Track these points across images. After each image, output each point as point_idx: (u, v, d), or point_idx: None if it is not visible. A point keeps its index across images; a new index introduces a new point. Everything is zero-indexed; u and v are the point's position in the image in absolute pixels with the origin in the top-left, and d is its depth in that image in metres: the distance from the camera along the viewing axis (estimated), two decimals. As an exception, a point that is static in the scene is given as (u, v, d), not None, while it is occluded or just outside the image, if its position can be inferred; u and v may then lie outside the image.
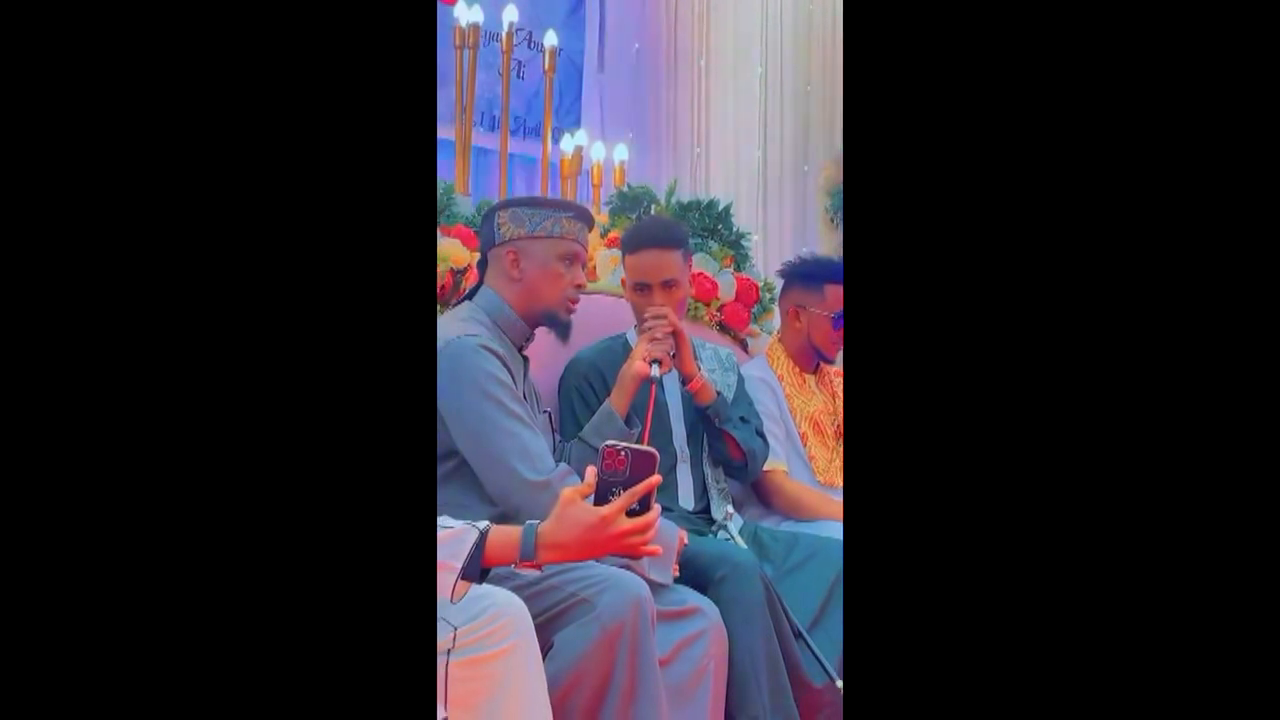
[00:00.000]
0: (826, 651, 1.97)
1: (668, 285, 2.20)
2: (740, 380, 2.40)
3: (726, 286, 2.77)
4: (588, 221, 2.03)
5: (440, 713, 1.32)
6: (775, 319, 2.85)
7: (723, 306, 2.77)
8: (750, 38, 4.37)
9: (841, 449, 2.50)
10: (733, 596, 1.91)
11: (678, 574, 1.90)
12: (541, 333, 2.03)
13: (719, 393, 2.25)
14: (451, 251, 2.31)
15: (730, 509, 2.28)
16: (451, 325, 1.90)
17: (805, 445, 2.47)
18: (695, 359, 2.22)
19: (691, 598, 1.88)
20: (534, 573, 1.46)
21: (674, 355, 2.12)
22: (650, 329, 2.10)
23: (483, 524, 1.36)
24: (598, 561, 1.70)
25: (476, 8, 2.92)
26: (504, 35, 2.99)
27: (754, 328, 2.84)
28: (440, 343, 1.84)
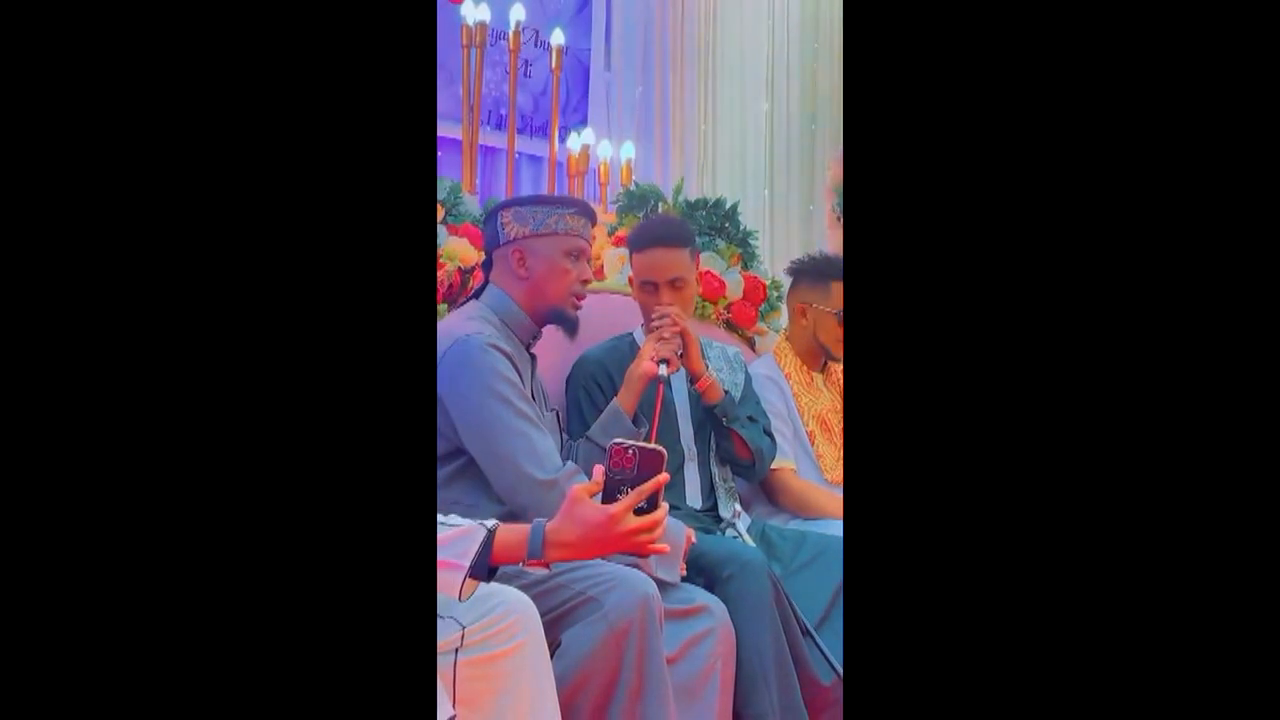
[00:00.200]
0: (834, 649, 1.97)
1: (675, 284, 2.19)
2: (748, 379, 2.40)
3: (734, 285, 2.77)
4: (590, 216, 2.03)
5: (449, 711, 1.33)
6: (783, 317, 2.85)
7: (730, 305, 2.77)
8: (757, 35, 4.37)
9: (848, 447, 2.50)
10: (741, 595, 1.91)
11: (685, 572, 1.90)
12: (549, 331, 2.03)
13: (726, 391, 2.25)
14: (459, 250, 2.31)
15: (738, 507, 2.28)
16: (459, 324, 1.90)
17: (813, 443, 2.47)
18: (703, 358, 2.22)
19: (699, 596, 1.88)
20: (542, 571, 1.46)
21: (682, 354, 2.12)
22: (658, 328, 2.10)
23: (490, 522, 1.36)
24: (605, 560, 1.70)
25: (484, 6, 2.92)
26: (511, 34, 3.00)
27: (761, 326, 2.84)
28: (448, 341, 1.84)
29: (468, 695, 1.39)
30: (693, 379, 2.21)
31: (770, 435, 2.34)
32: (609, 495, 1.32)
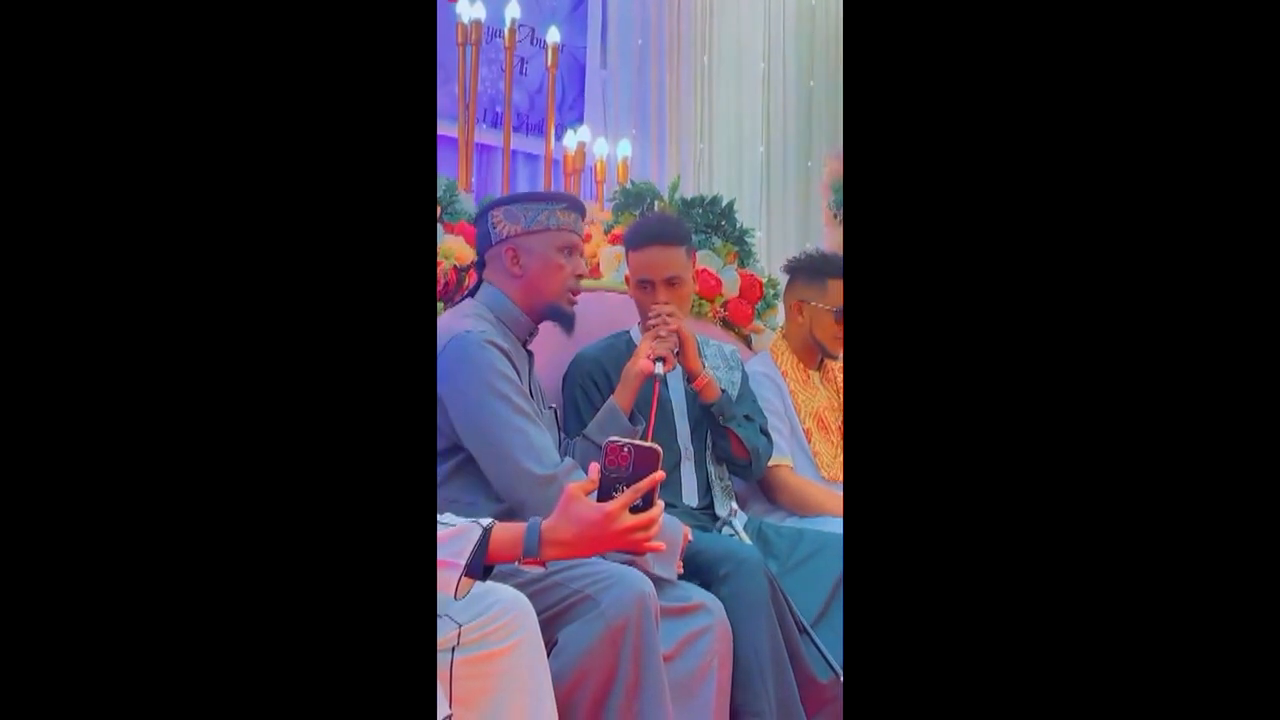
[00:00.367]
0: (831, 647, 1.97)
1: (671, 282, 2.19)
2: (744, 377, 2.40)
3: (730, 283, 2.77)
4: (580, 210, 2.04)
5: (445, 710, 1.32)
6: (779, 315, 2.85)
7: (726, 303, 2.77)
8: (753, 32, 4.36)
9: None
10: (737, 592, 1.91)
11: (682, 570, 1.90)
12: (545, 330, 2.03)
13: (723, 390, 2.25)
14: (455, 249, 2.31)
15: (734, 505, 2.28)
16: (456, 321, 1.90)
17: (810, 441, 2.47)
18: (700, 356, 2.22)
19: (696, 594, 1.88)
20: (538, 569, 1.46)
21: (678, 352, 2.12)
22: (654, 326, 2.10)
23: (486, 521, 1.36)
24: (602, 558, 1.70)
25: (479, 4, 2.92)
26: (506, 32, 2.99)
27: (758, 324, 2.84)
28: (445, 338, 1.84)
29: (464, 694, 1.39)
30: (689, 377, 2.21)
31: (767, 434, 2.34)
32: (604, 493, 1.32)
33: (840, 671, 1.96)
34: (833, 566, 2.08)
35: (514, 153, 3.38)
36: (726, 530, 2.20)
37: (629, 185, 2.91)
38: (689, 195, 2.91)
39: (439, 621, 1.39)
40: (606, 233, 2.73)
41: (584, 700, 1.64)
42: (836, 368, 2.60)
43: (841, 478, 2.45)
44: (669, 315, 2.11)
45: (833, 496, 2.37)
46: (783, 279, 2.65)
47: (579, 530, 1.31)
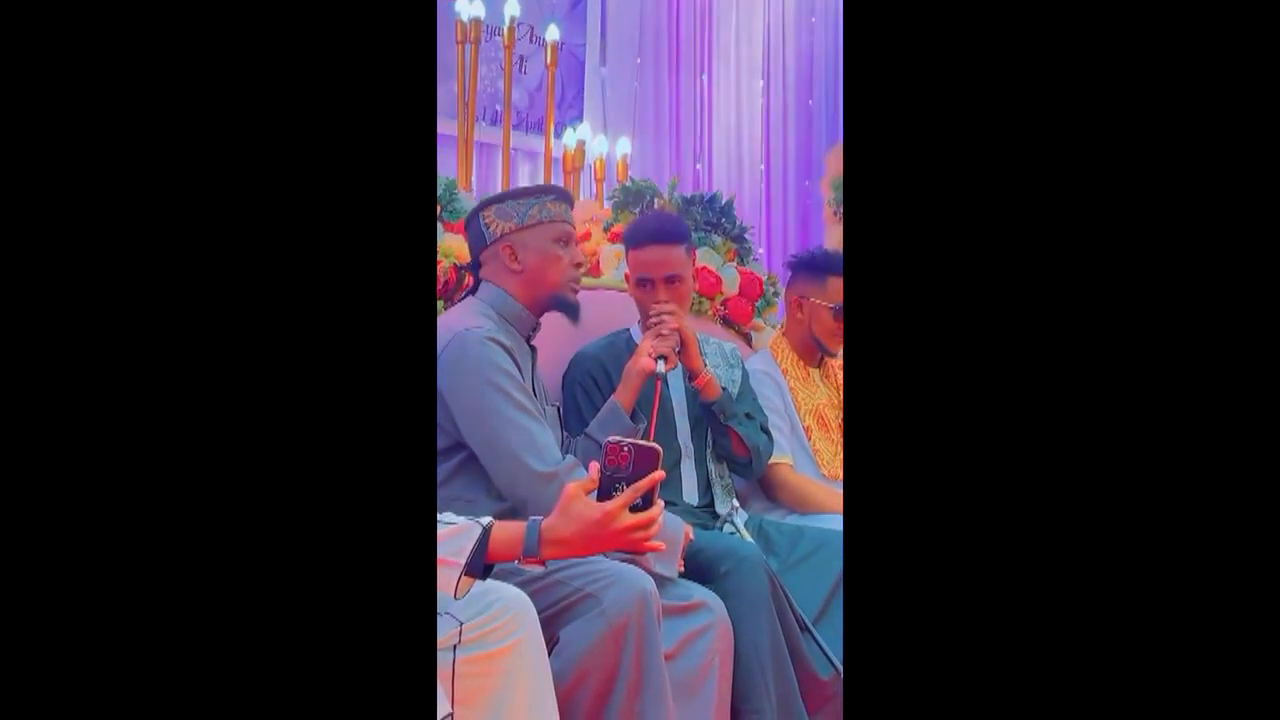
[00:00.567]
0: (832, 644, 1.97)
1: (671, 280, 2.19)
2: (745, 375, 2.40)
3: (730, 280, 2.77)
4: (569, 200, 2.05)
5: (446, 708, 1.33)
6: (779, 312, 2.85)
7: (726, 301, 2.77)
8: (753, 29, 4.36)
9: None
10: (738, 590, 1.91)
11: (683, 568, 1.90)
12: (546, 328, 2.03)
13: (724, 388, 2.25)
14: (455, 247, 2.31)
15: (735, 503, 2.28)
16: (457, 320, 1.90)
17: (810, 439, 2.47)
18: (700, 354, 2.22)
19: (697, 592, 1.88)
20: (538, 569, 1.46)
21: (679, 351, 2.12)
22: (655, 325, 2.10)
23: (486, 520, 1.36)
24: (604, 556, 1.70)
25: (478, 2, 2.92)
26: (505, 30, 2.99)
27: (758, 321, 2.84)
28: (447, 337, 1.84)
29: (465, 693, 1.39)
30: (690, 376, 2.21)
31: (767, 432, 2.34)
32: (604, 492, 1.32)
33: (841, 668, 1.96)
34: (833, 564, 2.08)
35: (513, 151, 3.38)
36: (727, 528, 2.20)
37: (628, 183, 2.90)
38: (688, 193, 2.91)
39: (441, 620, 1.39)
40: (606, 230, 2.73)
41: (585, 699, 1.64)
42: (836, 365, 2.60)
43: (841, 475, 2.45)
44: (669, 314, 2.11)
45: (833, 494, 2.37)
46: (786, 274, 2.65)
47: (578, 529, 1.32)
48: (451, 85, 3.06)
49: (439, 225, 2.36)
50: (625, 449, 1.31)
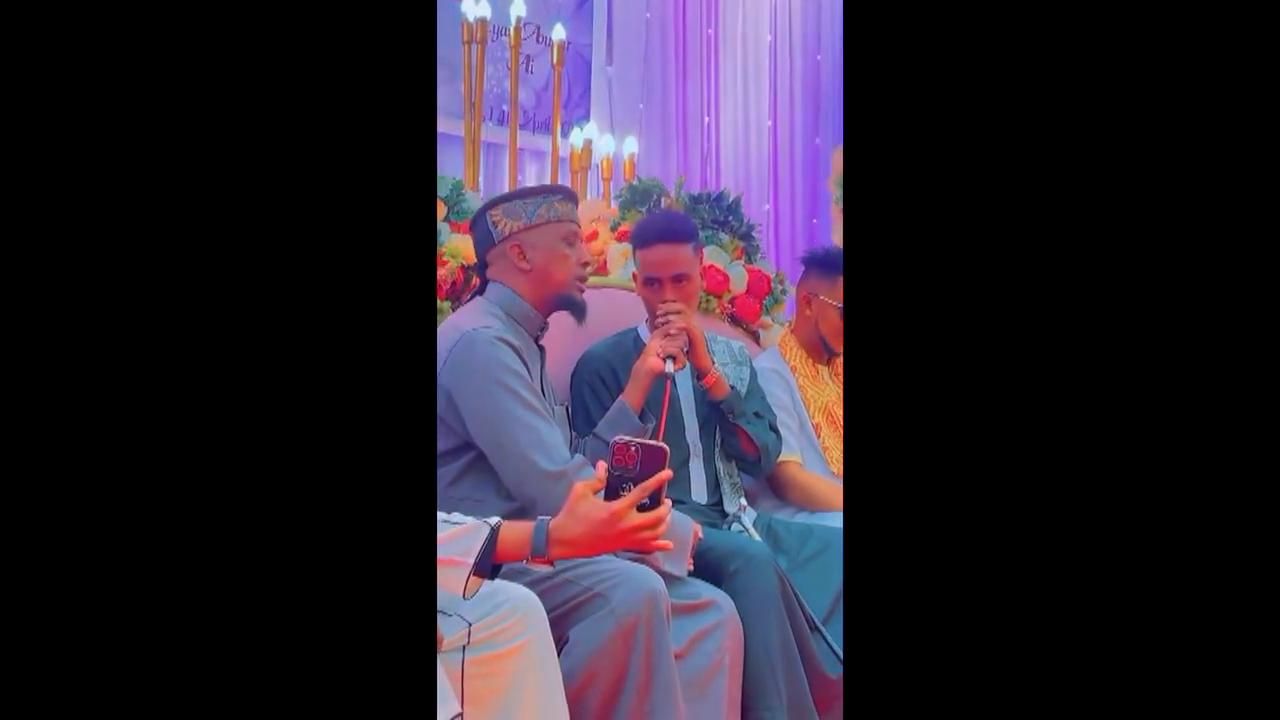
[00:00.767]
0: (842, 643, 1.97)
1: (679, 279, 2.19)
2: (753, 374, 2.39)
3: (737, 279, 2.77)
4: (574, 200, 2.05)
5: (455, 709, 1.33)
6: (787, 310, 2.84)
7: (734, 299, 2.77)
8: (760, 27, 4.36)
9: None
10: (747, 589, 1.90)
11: (692, 567, 1.90)
12: (553, 327, 2.03)
13: (733, 387, 2.24)
14: (463, 248, 2.31)
15: (743, 502, 2.27)
16: (465, 320, 1.90)
17: (819, 436, 2.47)
18: (708, 353, 2.22)
19: (706, 591, 1.87)
20: (546, 568, 1.46)
21: (687, 351, 2.11)
22: (663, 325, 2.10)
23: (494, 520, 1.37)
24: (612, 555, 1.70)
25: (484, 3, 2.92)
26: (512, 30, 2.99)
27: (766, 319, 2.83)
28: (455, 336, 1.85)
29: (474, 693, 1.39)
30: (698, 375, 2.21)
31: (776, 431, 2.33)
32: (612, 492, 1.32)
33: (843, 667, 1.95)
34: (842, 562, 2.08)
35: (520, 151, 3.38)
36: (736, 527, 2.20)
37: (635, 182, 2.90)
38: (695, 191, 2.91)
39: (450, 621, 1.39)
40: (613, 229, 2.73)
41: (595, 698, 1.64)
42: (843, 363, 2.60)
43: (851, 473, 2.44)
44: (677, 313, 2.11)
45: (842, 492, 2.37)
46: (799, 270, 2.64)
47: (586, 529, 1.32)
48: (458, 85, 3.06)
49: (446, 225, 2.36)
50: (632, 448, 1.31)
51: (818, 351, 2.55)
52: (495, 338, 1.84)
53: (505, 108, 3.58)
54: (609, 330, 2.31)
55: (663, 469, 1.31)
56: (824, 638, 1.97)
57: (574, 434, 2.12)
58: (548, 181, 3.26)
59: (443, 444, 1.85)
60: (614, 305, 2.41)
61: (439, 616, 1.40)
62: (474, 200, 2.47)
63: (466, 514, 1.41)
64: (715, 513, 2.24)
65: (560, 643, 1.62)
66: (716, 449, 2.29)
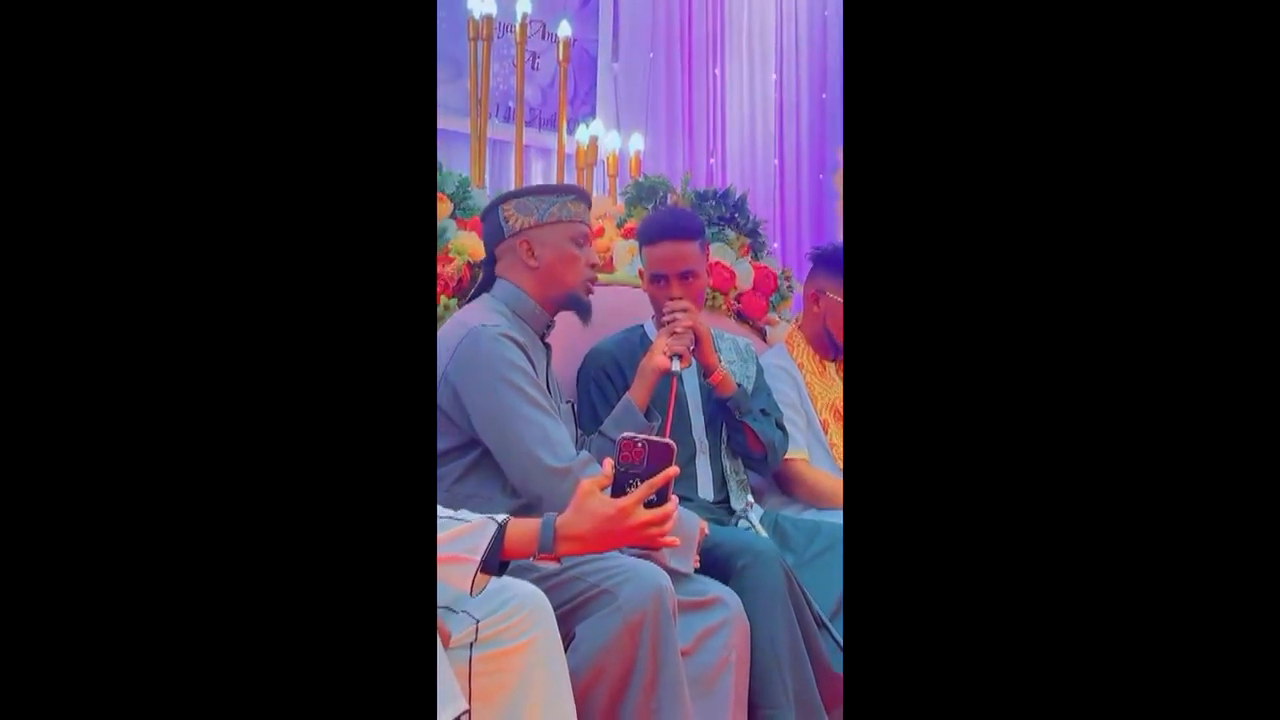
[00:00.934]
0: (849, 640, 1.97)
1: (685, 276, 2.19)
2: (759, 371, 2.39)
3: (744, 275, 2.76)
4: (587, 201, 2.05)
5: (463, 705, 1.33)
6: (793, 307, 2.84)
7: (740, 295, 2.77)
8: (766, 24, 4.35)
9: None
10: (755, 586, 1.90)
11: (699, 564, 1.90)
12: (560, 324, 2.03)
13: (739, 384, 2.24)
14: (469, 245, 2.31)
15: (750, 499, 2.27)
16: (470, 317, 1.90)
17: (826, 433, 2.46)
18: (715, 350, 2.22)
19: (713, 588, 1.87)
20: (553, 565, 1.46)
21: (694, 348, 2.11)
22: (670, 322, 2.10)
23: (501, 516, 1.37)
24: (619, 552, 1.70)
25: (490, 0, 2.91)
26: (518, 26, 2.99)
27: (772, 316, 2.83)
28: (460, 333, 1.85)
29: (481, 690, 1.39)
30: (705, 372, 2.20)
31: (782, 427, 2.33)
32: (618, 488, 1.32)
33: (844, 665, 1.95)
34: (849, 559, 2.08)
35: (527, 147, 3.38)
36: (742, 524, 2.20)
37: (642, 179, 2.90)
38: (701, 188, 2.90)
39: (457, 618, 1.39)
40: (620, 226, 2.73)
41: (602, 695, 1.64)
42: (851, 359, 2.59)
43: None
44: (683, 311, 2.11)
45: (849, 489, 2.36)
46: (807, 267, 2.64)
47: (593, 525, 1.32)
48: (464, 82, 3.06)
49: (453, 222, 2.36)
50: (639, 445, 1.31)
51: (825, 348, 2.55)
52: (501, 334, 1.84)
53: (511, 104, 3.58)
54: (615, 327, 2.31)
55: (669, 465, 1.31)
56: (831, 634, 1.97)
57: (580, 431, 2.12)
58: (554, 178, 3.25)
59: (448, 441, 1.86)
60: (620, 301, 2.41)
61: (446, 613, 1.40)
62: (480, 197, 2.47)
63: (473, 511, 1.41)
64: (722, 510, 2.24)
65: (567, 639, 1.62)
66: (723, 446, 2.29)
